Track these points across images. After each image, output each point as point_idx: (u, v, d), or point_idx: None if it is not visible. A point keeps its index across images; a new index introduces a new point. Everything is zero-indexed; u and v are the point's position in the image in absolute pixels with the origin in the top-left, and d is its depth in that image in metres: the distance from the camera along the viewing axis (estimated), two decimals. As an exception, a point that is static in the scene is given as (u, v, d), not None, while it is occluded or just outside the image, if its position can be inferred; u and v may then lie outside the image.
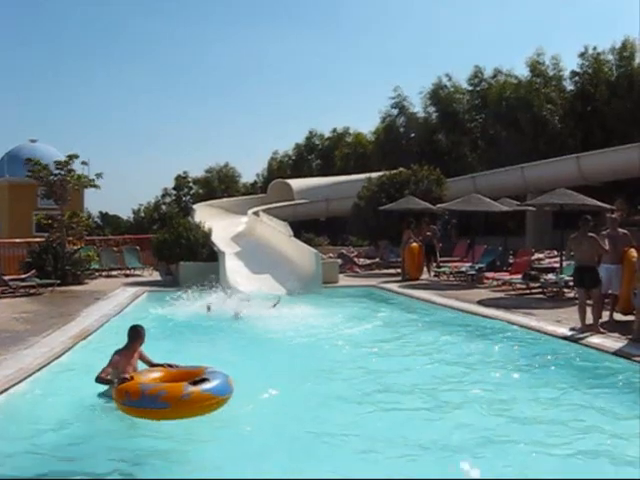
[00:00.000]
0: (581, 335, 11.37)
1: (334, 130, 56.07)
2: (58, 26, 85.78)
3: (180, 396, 6.92)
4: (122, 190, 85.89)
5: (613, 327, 12.04)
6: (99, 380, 7.84)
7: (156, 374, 7.83)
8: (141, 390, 7.12)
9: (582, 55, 36.90)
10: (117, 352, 8.15)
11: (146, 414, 7.06)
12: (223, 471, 6.17)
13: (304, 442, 6.93)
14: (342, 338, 12.36)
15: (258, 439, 6.98)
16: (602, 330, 11.61)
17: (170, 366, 8.06)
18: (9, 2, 76.96)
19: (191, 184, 63.07)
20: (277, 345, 11.67)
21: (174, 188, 63.50)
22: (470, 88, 42.35)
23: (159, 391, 7.03)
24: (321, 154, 55.59)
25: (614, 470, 6.15)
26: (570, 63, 43.89)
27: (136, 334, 8.36)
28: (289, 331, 12.71)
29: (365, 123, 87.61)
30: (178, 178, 62.82)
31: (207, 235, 22.59)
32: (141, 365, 8.33)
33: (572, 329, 11.91)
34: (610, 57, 36.46)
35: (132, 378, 7.42)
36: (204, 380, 7.22)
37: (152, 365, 8.24)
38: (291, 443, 6.90)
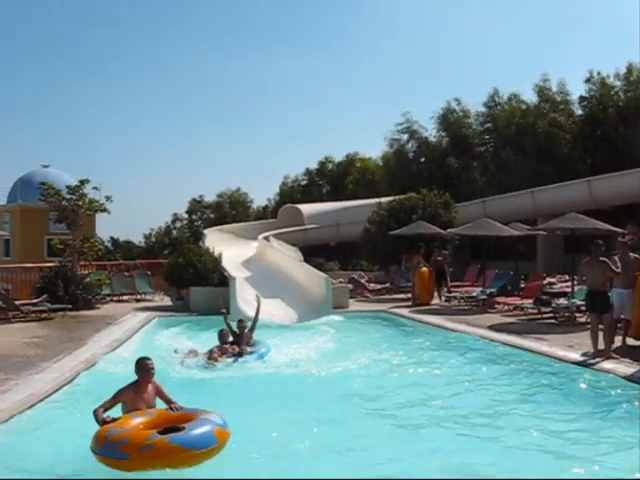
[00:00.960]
0: (593, 360, 11.29)
1: (347, 155, 56.34)
2: (67, 49, 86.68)
3: (142, 446, 6.15)
4: (133, 215, 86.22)
5: (626, 352, 11.94)
6: (94, 415, 6.99)
7: (145, 417, 6.92)
8: (104, 436, 6.41)
9: (588, 80, 36.98)
10: (124, 387, 7.27)
11: (109, 464, 6.32)
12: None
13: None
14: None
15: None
16: (614, 355, 11.53)
17: (172, 408, 7.15)
18: (17, 26, 77.94)
19: (204, 209, 63.21)
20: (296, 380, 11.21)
21: (187, 212, 63.65)
22: (484, 110, 42.34)
23: (121, 439, 6.27)
24: (331, 179, 55.76)
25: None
26: (577, 88, 43.92)
27: (141, 367, 7.36)
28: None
29: (372, 148, 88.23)
30: (193, 202, 62.96)
31: (217, 260, 22.62)
32: (160, 403, 7.45)
33: (584, 354, 11.84)
34: (617, 82, 36.55)
35: (112, 420, 6.74)
36: (179, 429, 6.42)
37: (168, 404, 7.29)
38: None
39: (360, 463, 7.06)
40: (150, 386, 7.33)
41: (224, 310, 14.09)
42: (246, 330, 13.08)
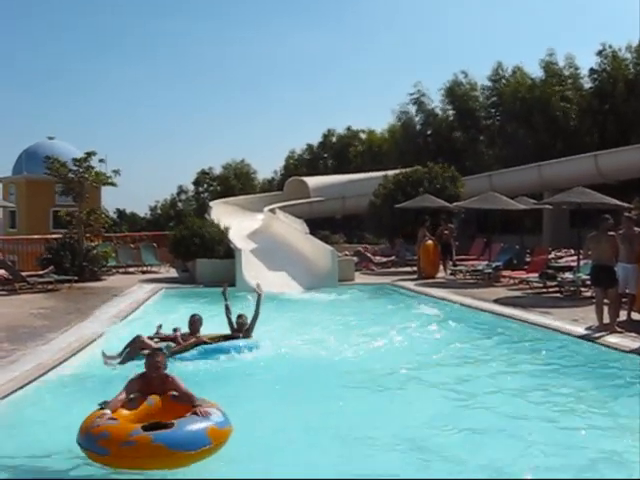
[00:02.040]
0: (598, 334, 11.32)
1: (348, 128, 56.11)
2: (73, 24, 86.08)
3: (122, 442, 5.54)
4: (139, 187, 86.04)
5: (630, 326, 11.97)
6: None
7: (142, 406, 6.34)
8: (87, 427, 5.81)
9: (600, 53, 36.59)
10: (133, 378, 6.66)
11: (92, 458, 5.78)
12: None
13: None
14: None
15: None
16: (619, 329, 11.55)
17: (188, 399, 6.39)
18: (25, 2, 77.46)
19: (211, 181, 62.95)
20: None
21: (194, 183, 63.50)
22: (489, 84, 42.07)
23: (102, 432, 5.66)
24: (335, 152, 55.54)
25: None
26: (587, 61, 43.55)
27: (148, 363, 6.65)
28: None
29: (376, 121, 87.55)
30: (200, 174, 62.77)
31: (223, 232, 22.63)
32: None
33: (589, 328, 11.87)
34: (628, 55, 36.18)
35: (105, 404, 6.14)
36: (168, 425, 5.78)
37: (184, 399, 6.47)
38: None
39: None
40: (160, 380, 6.55)
41: (226, 286, 11.74)
42: (245, 327, 11.04)
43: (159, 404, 6.39)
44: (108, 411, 6.00)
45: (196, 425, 5.82)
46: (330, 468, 6.18)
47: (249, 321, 11.07)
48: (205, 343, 10.52)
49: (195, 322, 10.82)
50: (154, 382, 6.52)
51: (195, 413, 6.03)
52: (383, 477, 6.18)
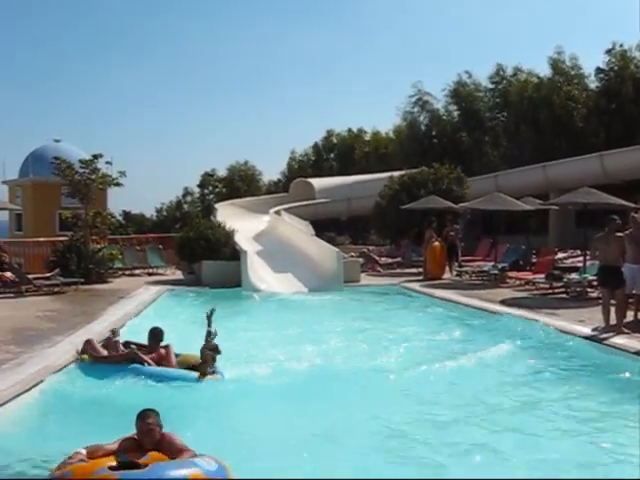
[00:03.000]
0: (605, 335, 11.29)
1: (349, 130, 56.04)
2: (75, 26, 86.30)
3: None
4: (144, 189, 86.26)
5: (637, 327, 11.93)
6: None
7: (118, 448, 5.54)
8: (56, 467, 5.33)
9: (609, 52, 36.40)
10: (126, 438, 5.66)
11: None
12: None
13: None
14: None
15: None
16: (626, 330, 11.52)
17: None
18: (28, 3, 77.70)
19: (216, 183, 62.94)
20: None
21: (199, 185, 63.53)
22: (491, 86, 42.08)
23: (66, 472, 5.13)
24: (340, 154, 55.46)
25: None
26: (594, 60, 43.30)
27: (138, 426, 5.63)
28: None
29: (382, 121, 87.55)
30: (205, 175, 62.80)
31: (229, 234, 22.64)
32: None
33: (595, 329, 11.84)
34: (636, 54, 36.03)
35: (89, 453, 5.42)
36: (141, 466, 5.06)
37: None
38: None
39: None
40: (154, 441, 5.58)
41: (213, 310, 9.39)
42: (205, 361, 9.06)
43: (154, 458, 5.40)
44: (83, 451, 5.39)
45: (175, 470, 5.02)
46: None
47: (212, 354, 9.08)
48: (141, 362, 9.09)
49: (154, 335, 9.56)
50: (147, 444, 5.54)
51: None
52: (383, 477, 6.19)
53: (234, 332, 12.30)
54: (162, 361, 9.23)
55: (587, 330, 11.85)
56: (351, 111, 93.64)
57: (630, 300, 12.75)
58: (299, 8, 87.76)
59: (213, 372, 9.04)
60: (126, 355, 9.28)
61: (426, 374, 9.57)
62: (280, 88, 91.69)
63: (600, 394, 8.61)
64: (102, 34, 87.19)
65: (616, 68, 36.07)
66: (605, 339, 11.06)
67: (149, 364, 9.08)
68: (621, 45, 36.01)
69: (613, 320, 11.77)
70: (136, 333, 10.85)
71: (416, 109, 44.93)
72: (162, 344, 9.52)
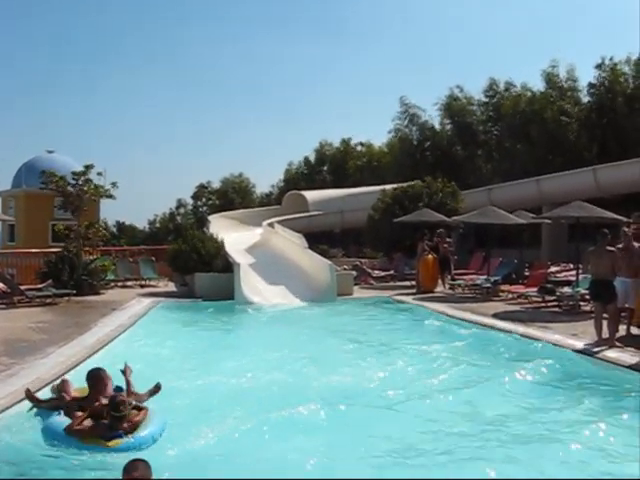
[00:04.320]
0: (597, 349, 11.31)
1: (343, 141, 56.16)
2: (71, 33, 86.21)
3: None
4: (138, 200, 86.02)
5: (629, 341, 11.96)
6: None
7: None
8: None
9: (599, 66, 36.66)
10: None
11: None
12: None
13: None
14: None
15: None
16: (618, 344, 11.54)
17: None
18: (24, 10, 77.81)
19: (210, 195, 62.97)
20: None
21: (192, 197, 63.57)
22: (485, 100, 42.33)
23: None
24: (332, 166, 55.50)
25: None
26: (586, 75, 43.62)
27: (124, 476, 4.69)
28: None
29: (376, 134, 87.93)
30: (199, 187, 62.84)
31: (220, 247, 22.62)
32: None
33: (588, 343, 11.86)
34: (626, 68, 36.29)
35: None
36: None
37: None
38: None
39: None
40: None
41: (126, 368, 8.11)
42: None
43: None
44: None
45: None
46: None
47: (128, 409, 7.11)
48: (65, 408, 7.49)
49: (95, 380, 7.63)
50: None
51: None
52: (383, 477, 6.18)
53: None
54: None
55: (580, 344, 11.87)
56: (345, 124, 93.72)
57: (623, 314, 12.79)
58: (293, 22, 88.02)
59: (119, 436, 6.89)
60: (58, 404, 7.70)
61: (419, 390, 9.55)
62: (275, 101, 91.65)
63: (589, 404, 8.64)
64: (97, 46, 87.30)
65: (607, 83, 36.32)
66: (597, 353, 11.08)
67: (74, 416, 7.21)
68: (611, 59, 36.32)
69: (606, 334, 11.80)
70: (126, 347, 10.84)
71: (405, 123, 45.21)
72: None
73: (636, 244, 12.90)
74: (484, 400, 8.94)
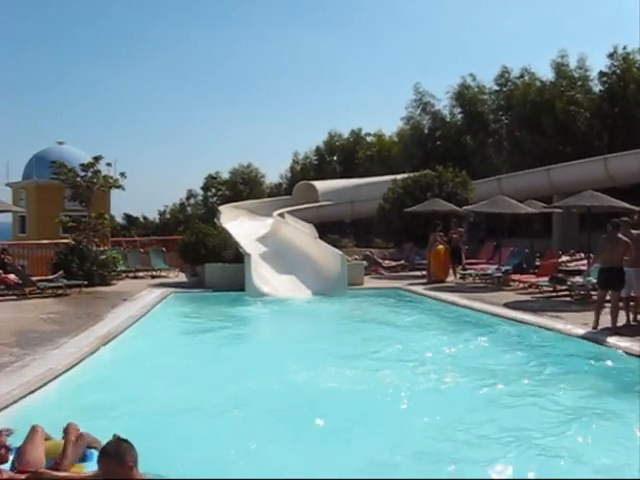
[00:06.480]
0: (605, 337, 11.32)
1: (352, 132, 56.12)
2: (81, 28, 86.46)
3: None
4: (149, 191, 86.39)
5: (630, 331, 11.98)
6: None
7: None
8: None
9: (611, 55, 36.40)
10: None
11: None
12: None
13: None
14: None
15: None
16: (623, 332, 11.58)
17: None
18: (35, 7, 77.91)
19: (220, 185, 62.98)
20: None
21: (202, 188, 63.60)
22: (496, 88, 42.12)
23: None
24: (342, 156, 55.47)
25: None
26: (598, 64, 43.34)
27: None
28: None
29: (385, 124, 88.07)
30: (209, 178, 62.85)
31: (226, 239, 22.63)
32: None
33: (597, 331, 11.88)
34: (638, 57, 36.01)
35: None
36: None
37: None
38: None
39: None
40: None
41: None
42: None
43: None
44: None
45: None
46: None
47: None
48: None
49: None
50: None
51: None
52: (383, 477, 6.18)
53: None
54: None
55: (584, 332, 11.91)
56: (355, 114, 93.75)
57: (630, 303, 12.82)
58: (303, 12, 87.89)
59: None
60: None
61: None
62: (284, 91, 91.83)
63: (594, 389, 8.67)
64: (107, 37, 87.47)
65: (618, 71, 36.06)
66: (606, 340, 11.09)
67: None
68: (624, 48, 36.04)
69: (607, 323, 11.89)
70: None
71: (418, 111, 45.07)
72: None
73: (634, 232, 12.89)
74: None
